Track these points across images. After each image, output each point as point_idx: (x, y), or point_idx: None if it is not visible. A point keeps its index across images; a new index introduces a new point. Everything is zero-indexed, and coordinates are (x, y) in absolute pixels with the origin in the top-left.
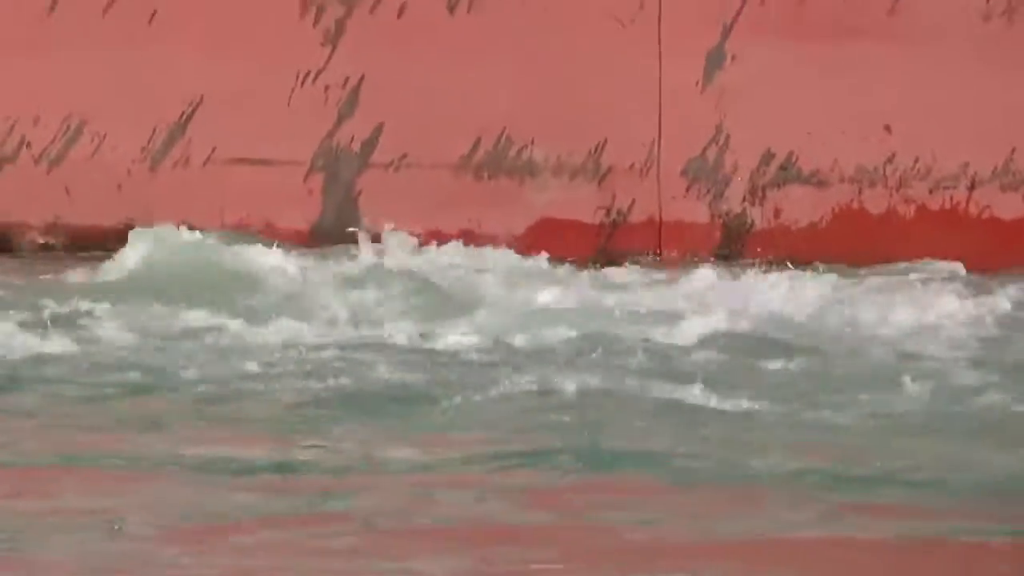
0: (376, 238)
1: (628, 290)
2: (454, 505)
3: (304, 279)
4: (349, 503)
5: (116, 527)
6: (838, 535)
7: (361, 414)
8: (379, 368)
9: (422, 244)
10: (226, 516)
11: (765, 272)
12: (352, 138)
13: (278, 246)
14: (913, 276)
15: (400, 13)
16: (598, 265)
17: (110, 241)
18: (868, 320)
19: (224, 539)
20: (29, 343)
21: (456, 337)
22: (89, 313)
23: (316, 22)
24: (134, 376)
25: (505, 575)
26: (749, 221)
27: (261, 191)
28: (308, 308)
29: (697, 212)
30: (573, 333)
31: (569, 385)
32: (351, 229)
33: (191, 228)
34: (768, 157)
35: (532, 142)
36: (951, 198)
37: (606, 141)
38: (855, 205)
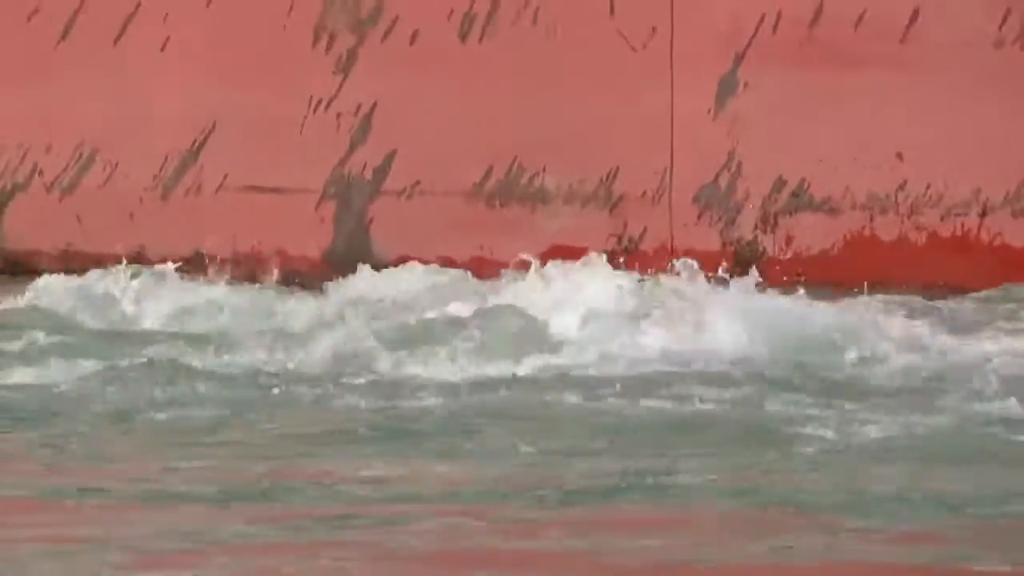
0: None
1: None
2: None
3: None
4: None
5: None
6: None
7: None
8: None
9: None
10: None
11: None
12: (364, 165)
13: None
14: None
15: (412, 40)
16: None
17: None
18: None
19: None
20: None
21: None
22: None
23: (328, 49)
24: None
25: None
26: (761, 248)
27: (273, 219)
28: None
29: (709, 239)
30: None
31: None
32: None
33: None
34: (780, 184)
35: (544, 169)
36: (962, 225)
37: (618, 168)
38: (867, 232)
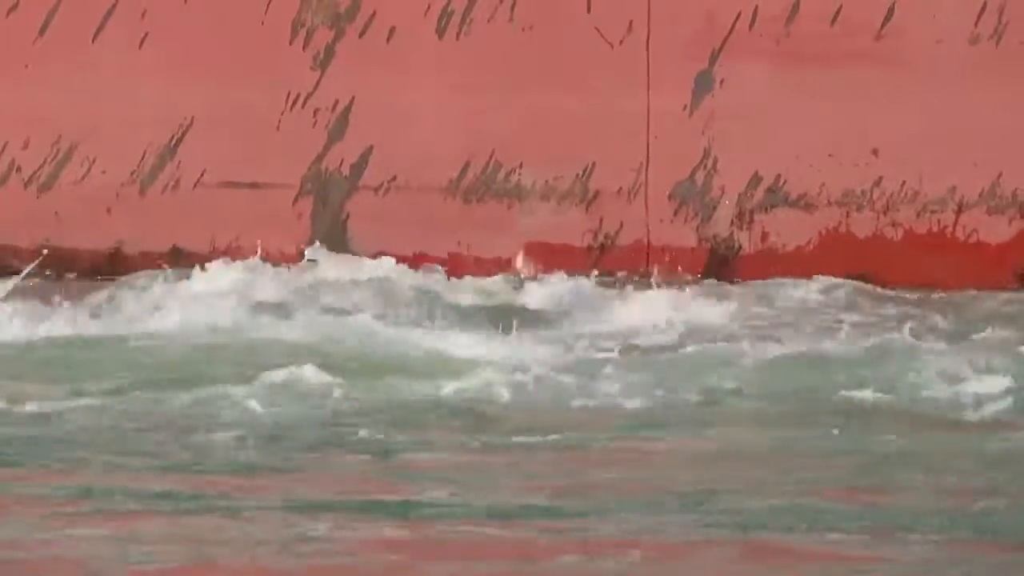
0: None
1: None
2: None
3: None
4: None
5: None
6: None
7: None
8: None
9: (411, 267)
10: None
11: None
12: (341, 161)
13: None
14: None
15: (389, 37)
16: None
17: (99, 265)
18: None
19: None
20: None
21: None
22: None
23: (306, 45)
24: None
25: None
26: (736, 244)
27: (250, 214)
28: None
29: (685, 236)
30: None
31: None
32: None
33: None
34: (756, 181)
35: (520, 166)
36: (938, 222)
37: (594, 165)
38: (842, 229)
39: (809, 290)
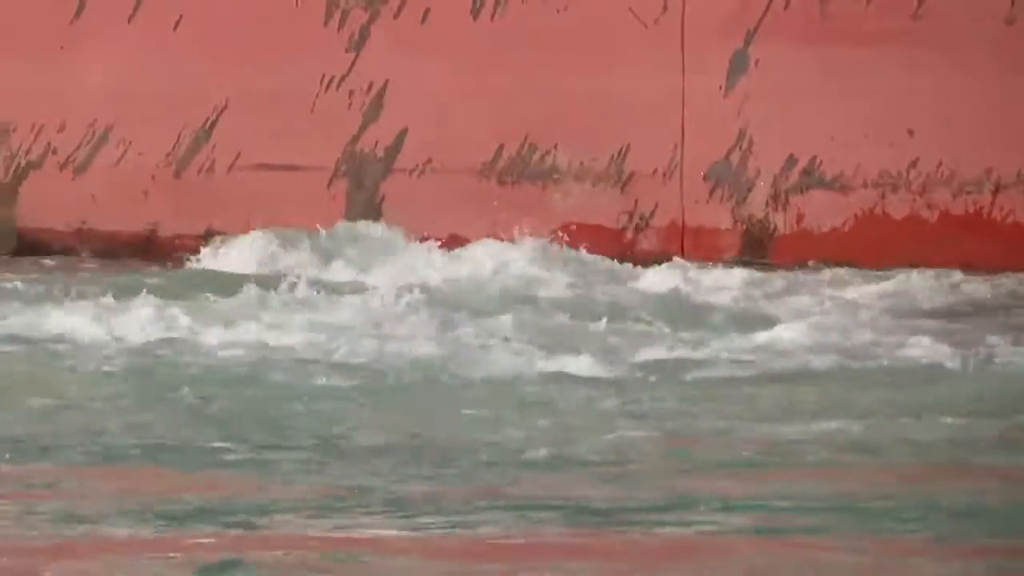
0: None
1: None
2: None
3: None
4: None
5: None
6: None
7: None
8: None
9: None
10: None
11: None
12: (376, 143)
13: None
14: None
15: (424, 19)
16: None
17: (135, 247)
18: None
19: None
20: None
21: None
22: None
23: (340, 27)
24: None
25: None
26: (772, 226)
27: (286, 196)
28: None
29: (720, 217)
30: None
31: None
32: None
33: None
34: (791, 162)
35: (555, 147)
36: (974, 203)
37: (629, 146)
38: (878, 210)
39: None
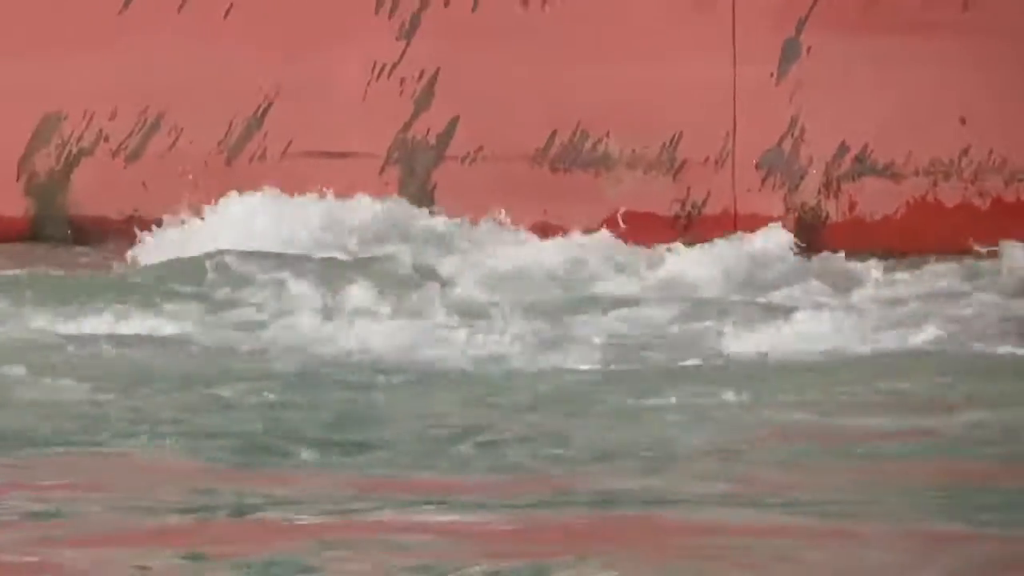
0: None
1: None
2: None
3: None
4: None
5: None
6: None
7: None
8: None
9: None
10: None
11: None
12: (428, 131)
13: None
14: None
15: (475, 6)
16: None
17: None
18: None
19: None
20: None
21: None
22: None
23: (391, 15)
24: None
25: None
26: (824, 213)
27: (337, 184)
28: None
29: (772, 205)
30: None
31: None
32: None
33: None
34: (843, 150)
35: (607, 135)
36: None
37: (681, 134)
38: (930, 198)
39: None
